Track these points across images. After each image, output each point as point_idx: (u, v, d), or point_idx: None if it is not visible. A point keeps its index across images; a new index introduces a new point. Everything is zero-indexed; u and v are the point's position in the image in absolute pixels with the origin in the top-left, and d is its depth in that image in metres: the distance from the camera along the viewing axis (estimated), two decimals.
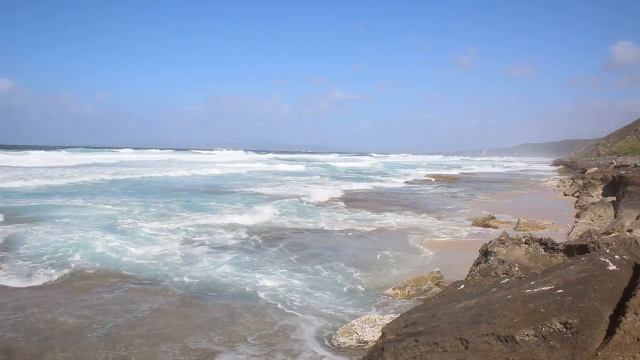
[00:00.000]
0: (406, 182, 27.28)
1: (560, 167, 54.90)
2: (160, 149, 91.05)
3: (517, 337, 2.62)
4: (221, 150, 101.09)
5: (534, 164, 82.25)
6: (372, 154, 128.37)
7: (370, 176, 32.07)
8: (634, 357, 2.40)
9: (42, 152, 50.48)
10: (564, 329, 2.56)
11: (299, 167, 41.33)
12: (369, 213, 13.64)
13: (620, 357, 2.40)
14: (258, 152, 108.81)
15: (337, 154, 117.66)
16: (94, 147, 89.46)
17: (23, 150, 55.07)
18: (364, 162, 58.56)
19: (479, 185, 26.44)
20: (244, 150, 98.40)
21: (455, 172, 43.72)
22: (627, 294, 2.84)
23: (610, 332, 2.56)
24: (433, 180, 30.25)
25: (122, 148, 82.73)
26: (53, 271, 7.05)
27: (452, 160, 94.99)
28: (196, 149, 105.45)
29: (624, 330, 2.50)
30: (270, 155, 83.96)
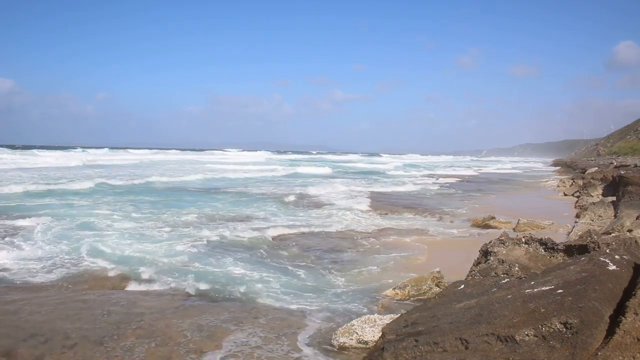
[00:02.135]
0: (437, 185, 26.36)
1: (559, 167, 54.89)
2: (180, 149, 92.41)
3: (517, 337, 2.62)
4: (230, 150, 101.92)
5: (541, 163, 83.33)
6: (382, 154, 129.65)
7: (402, 179, 31.60)
8: (634, 357, 2.40)
9: (80, 151, 51.92)
10: (564, 329, 2.56)
11: (325, 170, 41.03)
12: (393, 216, 13.57)
13: (620, 357, 2.40)
14: (272, 152, 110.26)
15: (359, 154, 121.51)
16: (113, 147, 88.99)
17: (24, 149, 55.41)
18: (387, 165, 57.85)
19: (496, 187, 26.59)
20: (265, 151, 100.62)
21: (471, 172, 44.82)
22: (627, 294, 2.84)
23: (610, 332, 2.56)
24: (457, 181, 30.89)
25: (140, 149, 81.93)
26: (56, 271, 7.06)
27: (463, 161, 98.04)
28: (210, 149, 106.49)
29: (624, 330, 2.50)
30: (286, 156, 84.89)
